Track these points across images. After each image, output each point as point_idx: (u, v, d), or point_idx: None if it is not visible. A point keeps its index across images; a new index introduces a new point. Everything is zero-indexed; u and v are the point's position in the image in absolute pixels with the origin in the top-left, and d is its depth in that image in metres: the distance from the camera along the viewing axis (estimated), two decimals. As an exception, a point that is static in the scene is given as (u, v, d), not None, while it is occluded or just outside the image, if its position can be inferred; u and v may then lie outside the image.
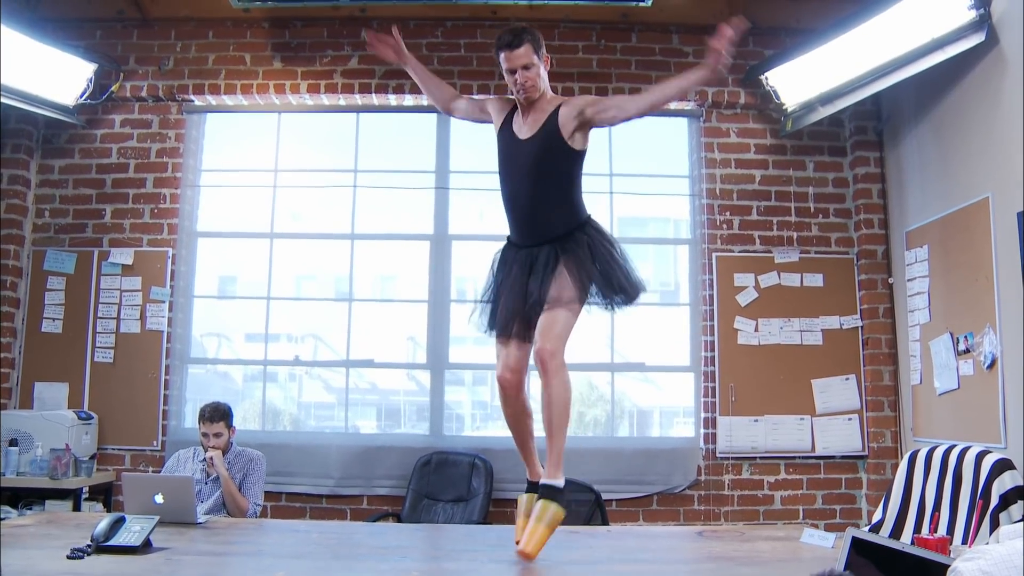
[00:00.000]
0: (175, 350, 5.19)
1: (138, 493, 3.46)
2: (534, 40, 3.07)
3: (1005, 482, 3.44)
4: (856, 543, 2.07)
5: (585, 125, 3.09)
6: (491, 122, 3.26)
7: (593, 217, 3.23)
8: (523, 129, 3.13)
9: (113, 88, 5.21)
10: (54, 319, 5.14)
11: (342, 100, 5.36)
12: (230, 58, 5.31)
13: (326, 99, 5.34)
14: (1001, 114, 4.00)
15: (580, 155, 3.13)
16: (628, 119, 3.12)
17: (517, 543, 2.87)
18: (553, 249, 3.08)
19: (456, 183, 5.40)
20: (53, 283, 5.17)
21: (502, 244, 3.27)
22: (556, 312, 3.00)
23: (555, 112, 3.08)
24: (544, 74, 3.11)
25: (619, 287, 3.15)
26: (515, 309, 3.07)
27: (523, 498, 3.09)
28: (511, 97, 3.19)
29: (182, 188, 5.30)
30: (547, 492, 2.92)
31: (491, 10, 5.21)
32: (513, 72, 3.05)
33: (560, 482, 2.95)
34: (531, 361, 3.10)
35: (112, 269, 5.18)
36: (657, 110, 3.27)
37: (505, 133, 3.18)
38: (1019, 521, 3.18)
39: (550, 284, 3.02)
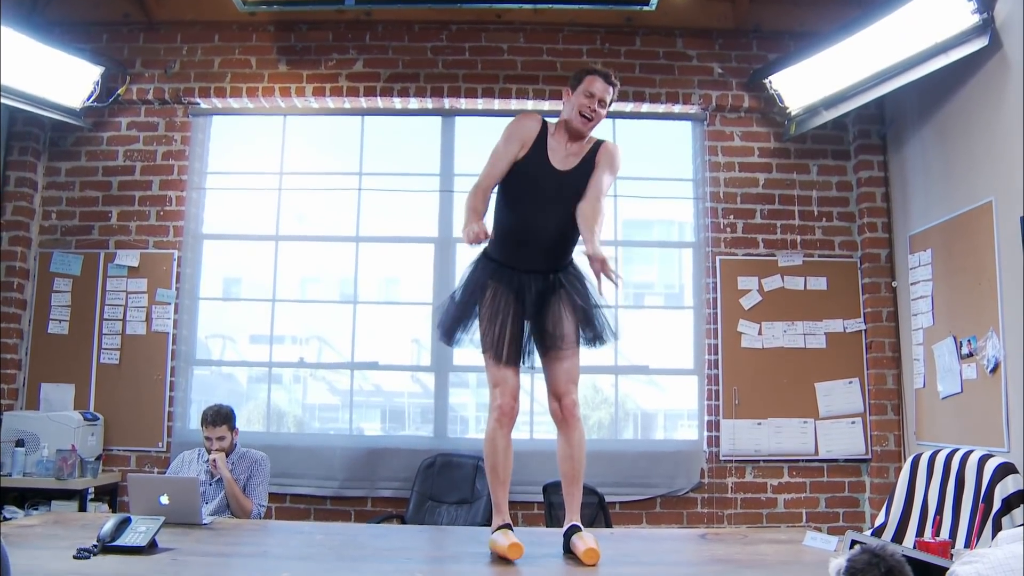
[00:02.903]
0: (180, 352, 5.21)
1: (143, 494, 3.49)
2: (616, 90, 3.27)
3: (1007, 486, 3.45)
4: (856, 546, 2.08)
5: None
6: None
7: None
8: (561, 160, 3.21)
9: (119, 91, 5.24)
10: (60, 320, 5.16)
11: (347, 103, 5.38)
12: (236, 61, 5.33)
13: (331, 102, 5.36)
14: (1004, 118, 4.00)
15: None
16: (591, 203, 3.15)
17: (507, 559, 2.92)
18: (556, 281, 3.22)
19: (461, 186, 5.40)
20: (59, 285, 5.19)
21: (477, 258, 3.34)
22: (574, 358, 3.19)
23: (594, 152, 3.25)
24: None
25: (600, 327, 3.27)
26: (520, 339, 3.17)
27: (505, 534, 3.05)
28: (537, 122, 3.26)
29: (188, 190, 5.32)
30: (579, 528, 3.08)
31: (496, 14, 5.23)
32: (592, 97, 3.16)
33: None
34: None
35: (118, 271, 5.21)
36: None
37: (538, 160, 3.21)
38: (1020, 525, 3.19)
39: (567, 322, 3.17)
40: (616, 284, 2.93)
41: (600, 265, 2.93)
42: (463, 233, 3.07)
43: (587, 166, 3.22)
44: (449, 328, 3.28)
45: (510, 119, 5.32)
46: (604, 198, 3.20)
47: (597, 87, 3.17)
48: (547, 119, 3.31)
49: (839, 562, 1.76)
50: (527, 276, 3.19)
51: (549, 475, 4.37)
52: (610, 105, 3.25)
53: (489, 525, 3.21)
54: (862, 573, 1.71)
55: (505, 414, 3.12)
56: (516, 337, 3.15)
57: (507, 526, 3.08)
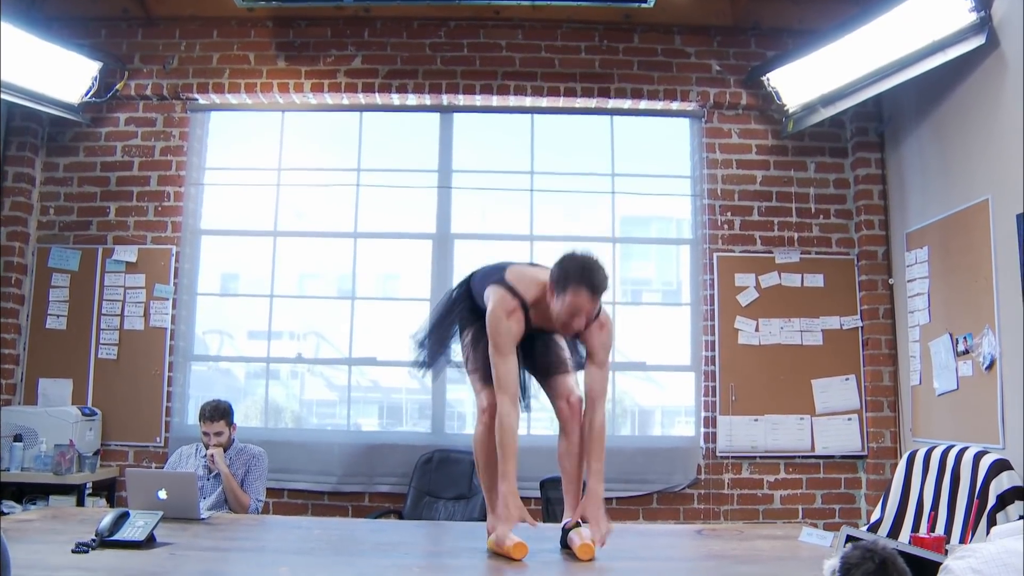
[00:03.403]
0: (178, 347, 5.21)
1: (141, 489, 3.49)
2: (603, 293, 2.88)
3: (1003, 482, 3.47)
4: (851, 541, 2.09)
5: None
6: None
7: None
8: (547, 321, 2.98)
9: (118, 86, 5.24)
10: (58, 316, 5.17)
11: (345, 99, 5.38)
12: (234, 57, 5.33)
13: (329, 98, 5.36)
14: (1001, 116, 4.01)
15: None
16: (596, 389, 3.08)
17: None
18: None
19: (459, 182, 5.42)
20: (58, 280, 5.19)
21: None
22: (571, 371, 3.20)
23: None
24: None
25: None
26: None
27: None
28: (519, 315, 2.95)
29: (186, 186, 5.32)
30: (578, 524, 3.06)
31: (494, 10, 5.23)
32: (579, 314, 2.82)
33: None
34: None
35: (116, 266, 5.21)
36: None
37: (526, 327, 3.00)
38: (1020, 518, 3.20)
39: (560, 346, 3.21)
40: (598, 543, 2.89)
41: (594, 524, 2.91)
42: (498, 524, 2.91)
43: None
44: (433, 354, 3.28)
45: (508, 116, 5.42)
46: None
47: (583, 301, 2.78)
48: (516, 290, 2.95)
49: (832, 562, 1.77)
50: None
51: (546, 471, 4.39)
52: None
53: (485, 520, 3.21)
54: (856, 568, 1.72)
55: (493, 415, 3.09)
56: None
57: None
